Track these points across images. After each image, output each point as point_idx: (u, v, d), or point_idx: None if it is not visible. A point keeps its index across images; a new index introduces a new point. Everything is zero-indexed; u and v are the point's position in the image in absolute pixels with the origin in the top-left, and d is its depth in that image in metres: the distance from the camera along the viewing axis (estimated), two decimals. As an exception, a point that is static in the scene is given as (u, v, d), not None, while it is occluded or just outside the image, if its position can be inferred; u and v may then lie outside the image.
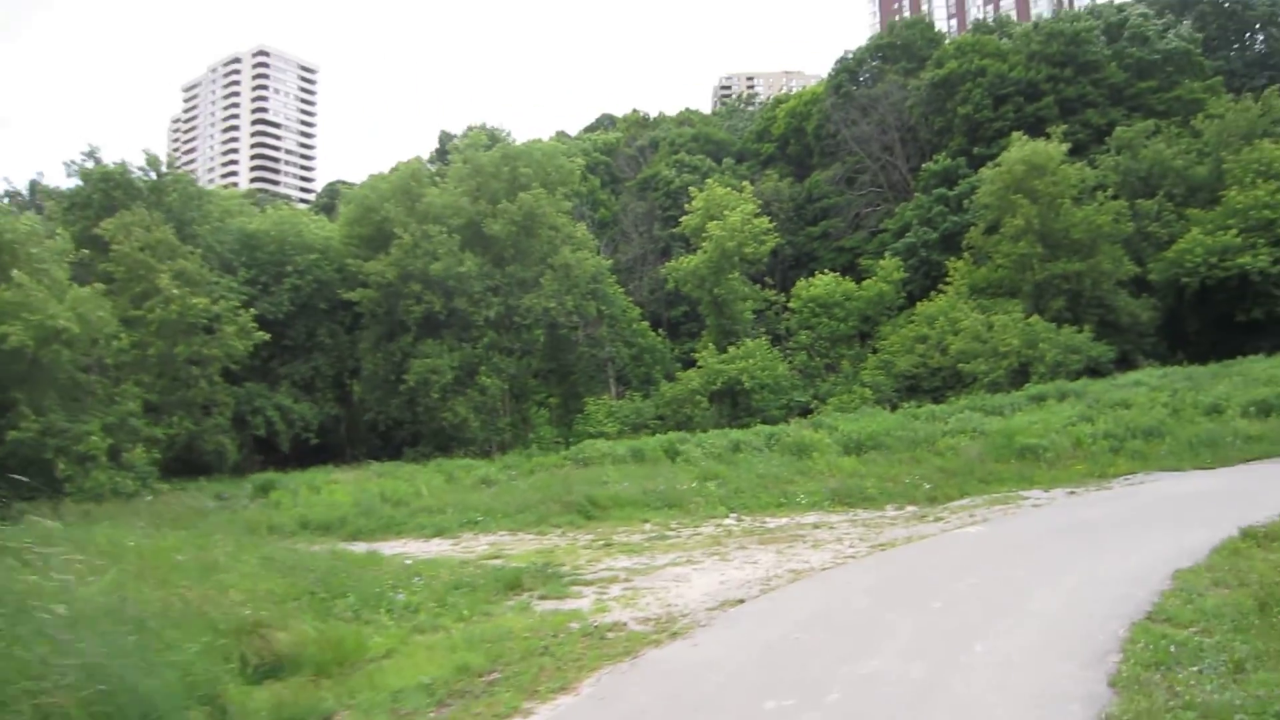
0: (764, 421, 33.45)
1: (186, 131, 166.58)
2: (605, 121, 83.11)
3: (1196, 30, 52.83)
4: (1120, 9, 53.00)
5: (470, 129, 57.78)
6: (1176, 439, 19.82)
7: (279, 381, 40.33)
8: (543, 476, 23.72)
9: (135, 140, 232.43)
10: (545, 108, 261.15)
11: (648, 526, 16.59)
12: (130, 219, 34.58)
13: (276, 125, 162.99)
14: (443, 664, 7.96)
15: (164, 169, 39.86)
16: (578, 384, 43.53)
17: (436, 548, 16.57)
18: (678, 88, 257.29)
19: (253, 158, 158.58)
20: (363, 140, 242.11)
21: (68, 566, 10.25)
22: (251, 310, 36.69)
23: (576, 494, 19.22)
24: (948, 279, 41.35)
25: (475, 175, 42.20)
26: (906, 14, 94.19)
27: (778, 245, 45.64)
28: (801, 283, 44.97)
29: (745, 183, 48.36)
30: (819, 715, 6.29)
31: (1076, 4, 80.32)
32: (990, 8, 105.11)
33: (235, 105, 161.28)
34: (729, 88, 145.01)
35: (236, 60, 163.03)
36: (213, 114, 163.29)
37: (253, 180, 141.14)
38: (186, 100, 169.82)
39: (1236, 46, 58.37)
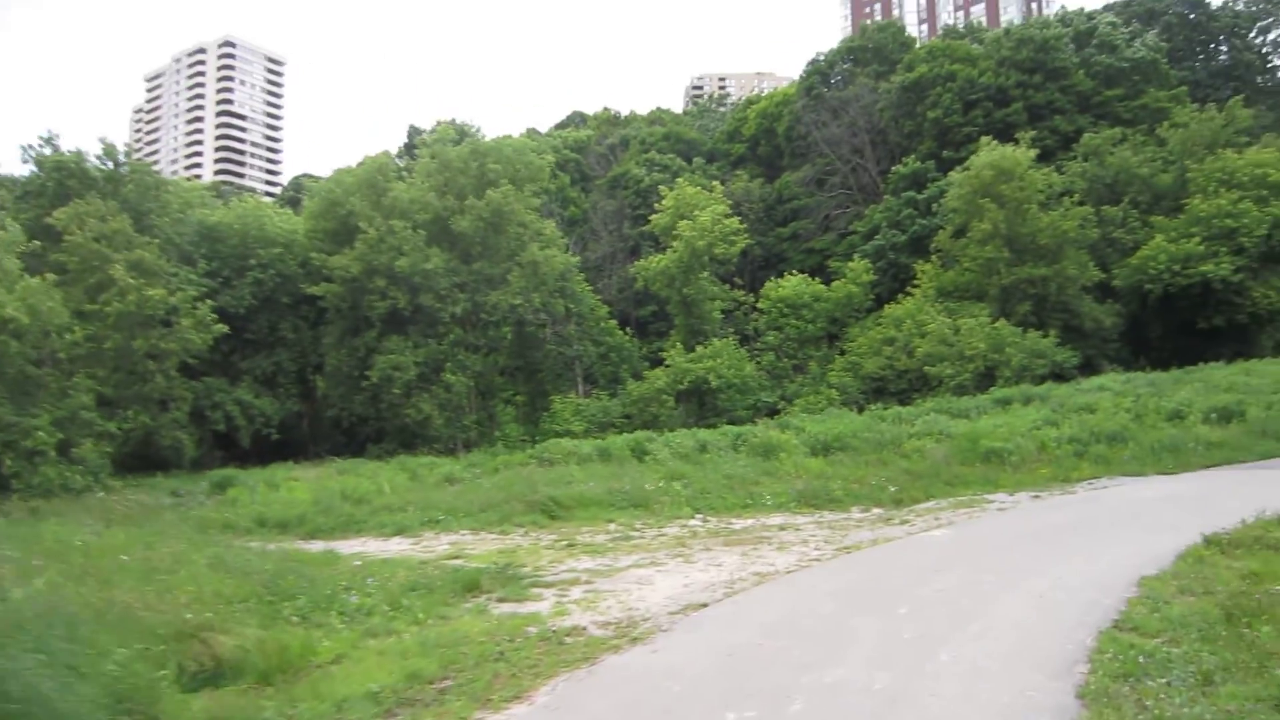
0: (731, 422, 33.37)
1: (149, 122, 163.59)
2: (576, 119, 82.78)
3: (1162, 40, 53.78)
4: (1090, 17, 53.70)
5: (439, 124, 57.12)
6: (1139, 444, 19.92)
7: (240, 376, 39.59)
8: (507, 475, 23.34)
9: (98, 130, 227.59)
10: (516, 104, 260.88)
11: (612, 527, 16.32)
12: (84, 208, 33.67)
13: (242, 117, 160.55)
14: (393, 670, 7.63)
15: (121, 158, 38.85)
16: (545, 382, 43.17)
17: (396, 547, 16.16)
18: (650, 87, 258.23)
19: (217, 150, 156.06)
20: (331, 135, 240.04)
21: (4, 566, 9.78)
22: (210, 302, 35.88)
23: (540, 493, 18.88)
24: (916, 282, 41.58)
25: (443, 171, 41.69)
26: (879, 18, 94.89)
27: (747, 246, 45.60)
28: (770, 283, 44.99)
29: (715, 183, 48.30)
30: (781, 727, 6.07)
31: (1046, 11, 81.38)
32: (961, 14, 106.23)
33: (200, 96, 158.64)
34: (701, 88, 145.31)
35: (201, 50, 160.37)
36: (176, 105, 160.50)
37: (217, 173, 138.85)
38: (150, 90, 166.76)
39: (1201, 57, 59.43)
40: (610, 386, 43.91)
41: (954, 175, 40.40)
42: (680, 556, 12.94)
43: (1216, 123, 41.18)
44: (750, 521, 16.10)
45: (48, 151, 37.84)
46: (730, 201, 46.44)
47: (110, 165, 38.26)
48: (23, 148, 47.35)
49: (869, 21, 79.23)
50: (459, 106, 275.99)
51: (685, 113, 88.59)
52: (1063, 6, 63.38)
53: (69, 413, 28.92)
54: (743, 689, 6.87)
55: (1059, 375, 32.35)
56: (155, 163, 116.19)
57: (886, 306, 41.19)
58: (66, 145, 39.33)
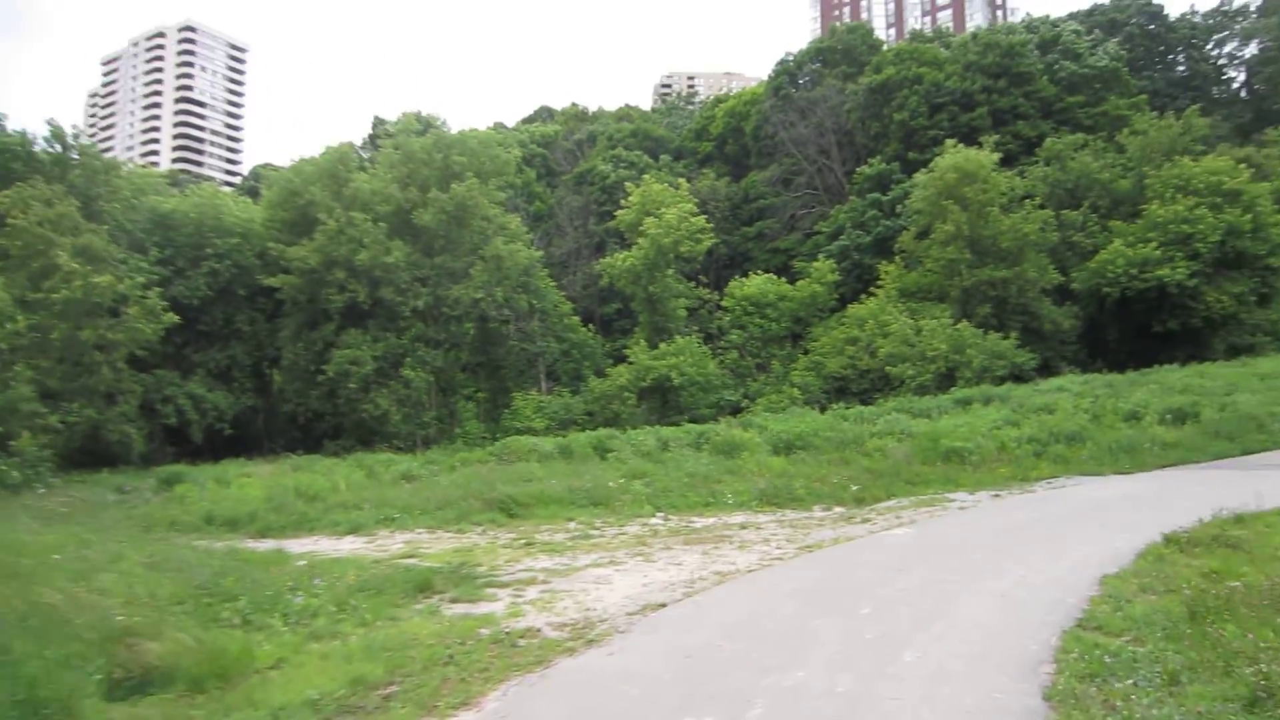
0: (693, 420, 33.26)
1: (105, 107, 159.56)
2: (544, 114, 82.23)
3: (1124, 49, 54.75)
4: (1054, 25, 54.42)
5: (404, 115, 56.26)
6: (1097, 444, 20.12)
7: (193, 370, 38.55)
8: (466, 472, 22.91)
9: (51, 113, 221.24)
10: (484, 98, 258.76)
11: (571, 525, 16.02)
12: (29, 192, 32.48)
13: (202, 105, 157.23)
14: (336, 676, 7.25)
15: (70, 141, 37.60)
16: (507, 378, 42.68)
17: (349, 545, 15.69)
18: (619, 84, 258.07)
19: (176, 138, 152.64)
20: (295, 126, 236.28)
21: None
22: (158, 290, 34.75)
23: (500, 491, 18.51)
24: (879, 282, 41.79)
25: (406, 162, 40.98)
26: (848, 20, 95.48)
27: (712, 245, 45.51)
28: (735, 282, 44.95)
29: (682, 180, 48.11)
30: (740, 733, 5.84)
31: (1011, 19, 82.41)
32: (928, 19, 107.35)
33: (158, 82, 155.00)
34: (669, 86, 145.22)
35: (161, 35, 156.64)
36: (134, 90, 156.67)
37: (175, 161, 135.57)
38: (106, 74, 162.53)
39: (1160, 67, 60.66)
40: (573, 384, 43.55)
41: (918, 177, 40.66)
42: (640, 555, 12.70)
43: (1174, 131, 41.90)
44: (712, 520, 15.92)
45: (-5, 133, 36.46)
46: (696, 200, 46.31)
47: (58, 148, 36.97)
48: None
49: (838, 24, 79.58)
50: (426, 99, 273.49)
51: (654, 110, 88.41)
52: (1028, 14, 64.10)
53: (8, 404, 27.85)
54: (701, 693, 6.64)
55: (1018, 376, 32.66)
56: (111, 150, 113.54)
57: (850, 307, 41.34)
58: (15, 127, 38.06)
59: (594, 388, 39.76)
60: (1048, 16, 57.43)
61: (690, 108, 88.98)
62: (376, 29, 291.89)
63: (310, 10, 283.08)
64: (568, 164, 64.75)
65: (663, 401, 37.88)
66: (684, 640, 8.12)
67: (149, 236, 38.49)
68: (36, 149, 36.32)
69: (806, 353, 40.59)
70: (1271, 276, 36.85)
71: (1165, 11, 61.89)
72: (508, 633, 8.61)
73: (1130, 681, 6.16)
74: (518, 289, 41.22)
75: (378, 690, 7.04)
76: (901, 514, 15.13)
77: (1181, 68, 61.66)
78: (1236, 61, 64.19)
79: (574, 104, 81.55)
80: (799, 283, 44.24)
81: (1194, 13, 64.39)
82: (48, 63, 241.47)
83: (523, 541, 14.58)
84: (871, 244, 45.36)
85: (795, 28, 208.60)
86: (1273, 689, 5.55)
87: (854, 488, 17.64)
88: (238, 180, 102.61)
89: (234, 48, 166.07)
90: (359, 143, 65.85)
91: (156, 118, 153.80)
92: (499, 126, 71.36)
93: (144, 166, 59.82)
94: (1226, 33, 63.58)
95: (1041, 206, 39.48)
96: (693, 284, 45.37)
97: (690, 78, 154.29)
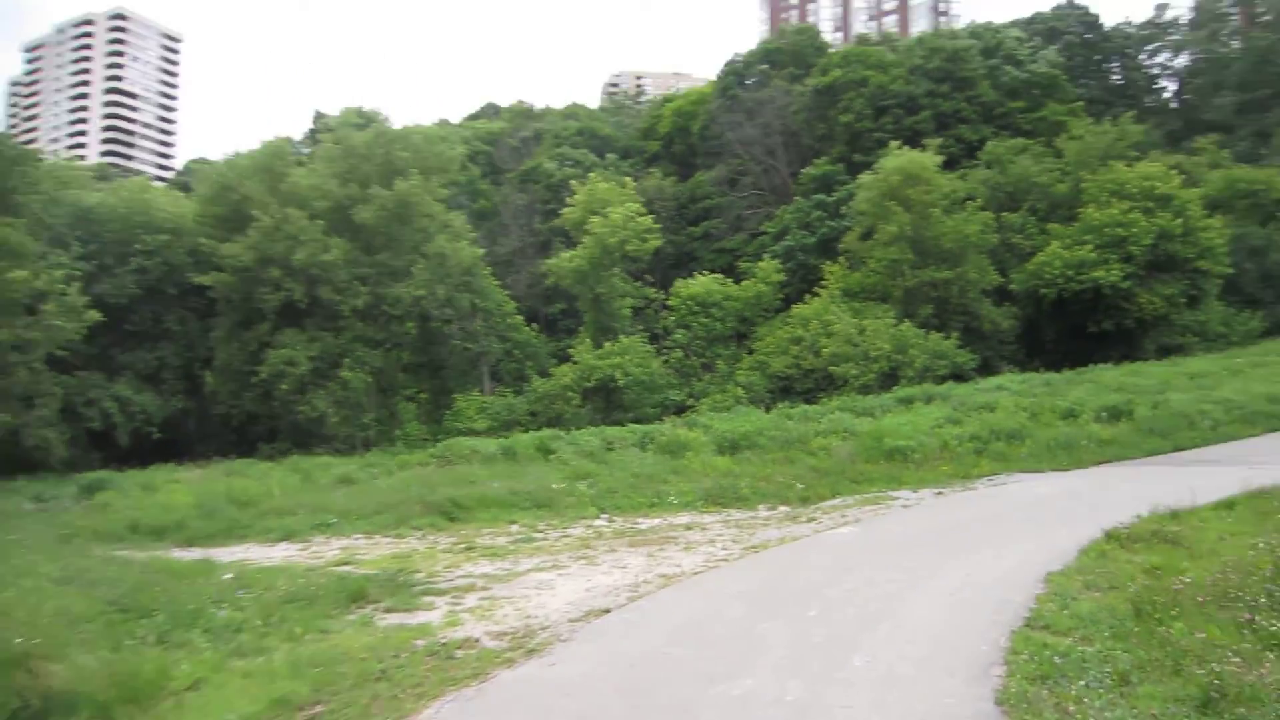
0: (638, 420, 32.95)
1: (28, 96, 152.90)
2: (490, 110, 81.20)
3: (1062, 57, 56.05)
4: (997, 31, 55.47)
5: (345, 110, 55.01)
6: (1036, 441, 20.38)
7: (120, 371, 37.06)
8: (406, 475, 22.36)
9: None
10: (430, 94, 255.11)
11: (514, 528, 15.64)
12: (-61, 183, 30.85)
13: (133, 96, 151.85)
14: (258, 696, 6.81)
15: (-16, 130, 35.84)
16: (449, 379, 41.85)
17: (281, 553, 15.08)
18: (566, 82, 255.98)
19: (105, 129, 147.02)
20: (233, 120, 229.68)
21: None
22: (78, 286, 33.23)
23: (440, 494, 18.04)
24: (823, 282, 41.98)
25: (346, 157, 39.88)
26: (796, 23, 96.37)
27: (659, 244, 45.28)
28: (681, 282, 44.77)
29: (628, 179, 47.79)
30: (686, 748, 5.58)
31: (954, 26, 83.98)
32: (874, 24, 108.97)
33: (86, 71, 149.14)
34: (617, 85, 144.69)
35: (89, 22, 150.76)
36: (59, 79, 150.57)
37: (104, 154, 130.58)
38: (29, 62, 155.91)
39: (1096, 75, 62.21)
40: (516, 384, 42.90)
41: (863, 178, 40.95)
42: (584, 559, 12.41)
43: (1109, 137, 42.95)
44: (657, 521, 15.69)
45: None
46: (643, 199, 46.02)
47: (-30, 138, 35.24)
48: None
49: (787, 25, 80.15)
50: (369, 94, 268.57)
51: (601, 109, 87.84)
52: (972, 21, 65.38)
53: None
54: (646, 704, 6.38)
55: (959, 376, 33.10)
56: (34, 140, 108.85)
57: (794, 306, 41.44)
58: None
59: (537, 388, 39.23)
60: (990, 23, 58.64)
61: (638, 107, 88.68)
62: (319, 22, 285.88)
63: (250, 1, 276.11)
64: (513, 162, 63.95)
65: (607, 401, 37.51)
66: (628, 647, 7.86)
67: (71, 232, 36.88)
68: (-54, 138, 34.53)
69: (751, 352, 40.59)
70: (1201, 279, 37.90)
71: (1101, 21, 63.63)
72: (444, 644, 8.25)
73: (1081, 683, 6.07)
74: (460, 288, 40.40)
75: (303, 710, 6.64)
76: (846, 513, 15.09)
77: (1117, 76, 63.39)
78: (1168, 72, 66.35)
79: (520, 101, 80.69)
80: (744, 282, 44.25)
81: (1129, 23, 66.34)
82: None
83: (463, 546, 14.17)
84: (816, 244, 45.61)
85: (744, 29, 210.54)
86: (1225, 689, 5.49)
87: (799, 487, 17.57)
88: (172, 175, 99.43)
89: (168, 37, 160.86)
90: (300, 138, 64.39)
91: (85, 109, 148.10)
92: (444, 123, 70.27)
93: (69, 160, 57.43)
94: (1159, 44, 65.61)
95: (982, 209, 40.11)
96: (638, 283, 45.08)
97: (638, 77, 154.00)
